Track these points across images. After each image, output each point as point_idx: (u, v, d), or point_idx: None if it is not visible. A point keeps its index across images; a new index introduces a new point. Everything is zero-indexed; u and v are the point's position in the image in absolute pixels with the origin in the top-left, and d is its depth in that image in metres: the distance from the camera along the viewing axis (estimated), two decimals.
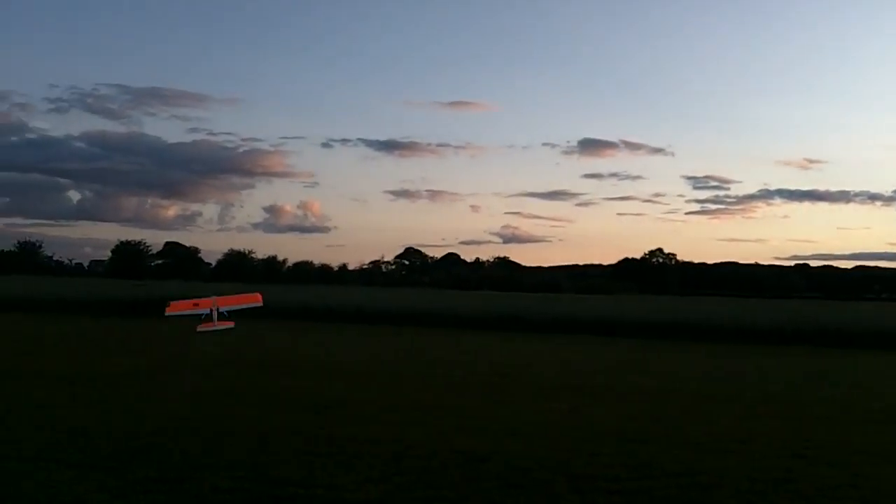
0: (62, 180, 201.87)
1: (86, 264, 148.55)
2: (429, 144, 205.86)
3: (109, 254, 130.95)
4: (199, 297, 20.10)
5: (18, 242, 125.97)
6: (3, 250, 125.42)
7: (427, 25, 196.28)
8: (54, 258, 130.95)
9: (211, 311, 18.76)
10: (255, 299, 20.47)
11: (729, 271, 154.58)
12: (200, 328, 18.65)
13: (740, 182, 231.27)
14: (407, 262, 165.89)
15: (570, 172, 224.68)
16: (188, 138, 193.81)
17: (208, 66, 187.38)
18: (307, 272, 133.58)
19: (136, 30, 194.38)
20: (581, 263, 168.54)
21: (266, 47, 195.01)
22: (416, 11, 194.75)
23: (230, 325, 18.94)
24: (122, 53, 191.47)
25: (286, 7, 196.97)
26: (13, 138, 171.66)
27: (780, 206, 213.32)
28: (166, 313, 19.09)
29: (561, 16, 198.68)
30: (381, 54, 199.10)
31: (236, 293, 21.61)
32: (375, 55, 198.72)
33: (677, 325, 42.63)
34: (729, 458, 12.32)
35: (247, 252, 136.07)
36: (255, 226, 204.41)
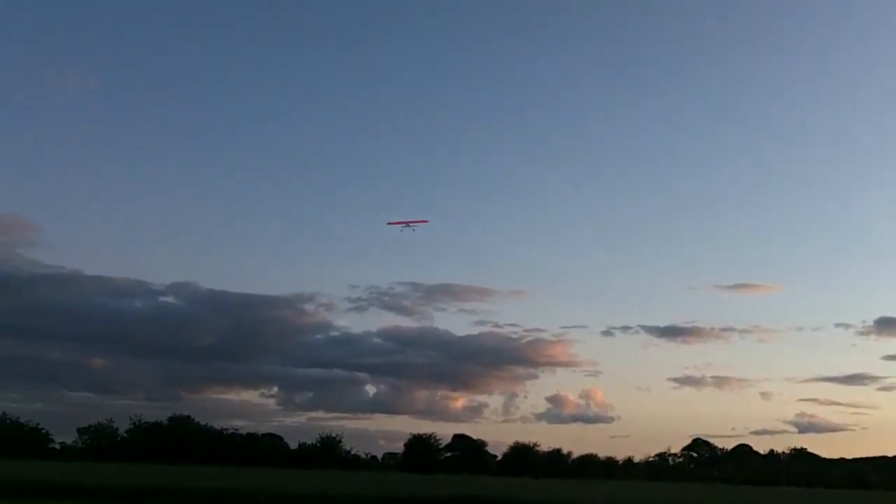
0: (360, 374, 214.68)
1: (380, 457, 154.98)
2: (712, 329, 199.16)
3: (402, 447, 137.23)
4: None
5: (320, 436, 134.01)
6: (307, 444, 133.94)
7: (702, 212, 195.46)
8: (352, 452, 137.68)
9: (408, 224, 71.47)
10: (424, 221, 73.32)
11: None
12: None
13: None
14: (695, 454, 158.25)
15: (868, 354, 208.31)
16: (475, 331, 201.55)
17: (493, 261, 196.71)
18: (592, 465, 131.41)
19: (425, 233, 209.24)
20: (890, 455, 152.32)
21: (545, 239, 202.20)
22: (686, 199, 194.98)
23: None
24: (414, 254, 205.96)
25: (561, 197, 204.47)
26: (318, 336, 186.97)
27: None
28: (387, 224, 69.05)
29: (841, 186, 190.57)
30: (658, 241, 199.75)
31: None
32: (653, 242, 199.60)
33: None
34: None
35: (531, 444, 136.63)
36: (539, 416, 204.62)
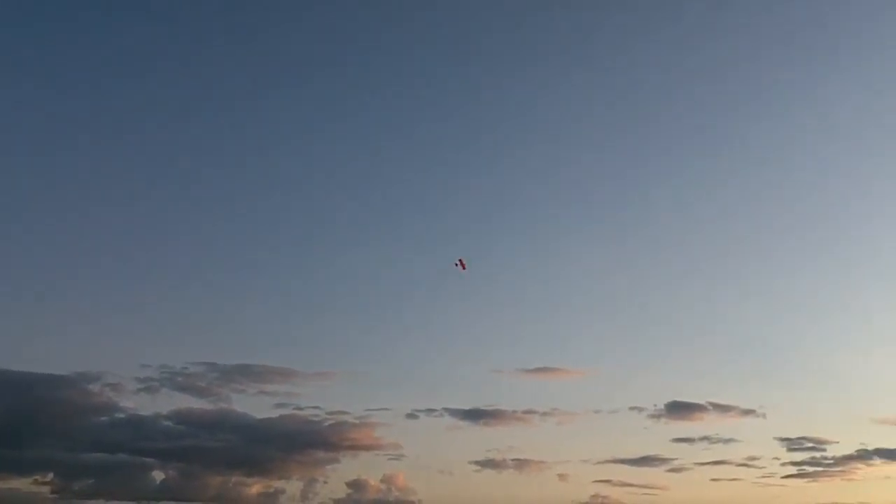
0: (148, 460, 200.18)
1: None
2: (514, 412, 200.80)
3: None
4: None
5: None
6: None
7: (509, 293, 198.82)
8: None
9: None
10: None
11: None
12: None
13: (837, 442, 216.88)
14: None
15: (659, 437, 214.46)
16: (275, 413, 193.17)
17: (296, 341, 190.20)
18: None
19: (224, 309, 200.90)
20: None
21: (350, 321, 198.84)
22: (495, 281, 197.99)
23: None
24: (212, 332, 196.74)
25: (368, 279, 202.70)
26: (103, 418, 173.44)
27: (881, 467, 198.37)
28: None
29: (640, 278, 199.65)
30: (462, 323, 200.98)
31: None
32: (457, 324, 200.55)
33: None
34: None
35: None
36: (338, 502, 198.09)
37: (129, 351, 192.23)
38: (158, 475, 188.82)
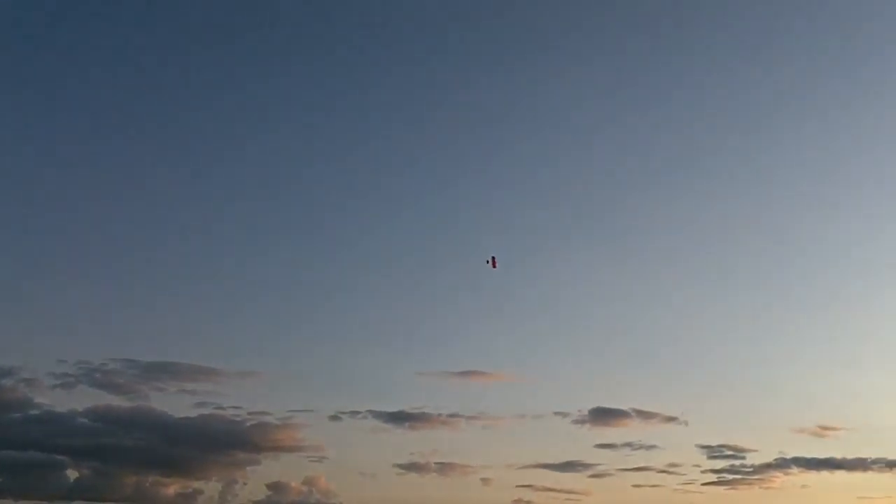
0: (60, 458, 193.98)
1: None
2: (440, 415, 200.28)
3: None
4: None
5: None
6: None
7: (435, 295, 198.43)
8: None
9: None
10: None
11: None
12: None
13: (756, 451, 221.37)
14: None
15: (582, 442, 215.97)
16: (195, 412, 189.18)
17: (218, 339, 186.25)
18: None
19: (145, 304, 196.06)
20: None
21: (276, 320, 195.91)
22: (421, 282, 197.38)
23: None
24: (133, 328, 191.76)
25: (293, 278, 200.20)
26: (16, 415, 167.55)
27: (798, 476, 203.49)
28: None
29: (567, 284, 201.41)
30: (389, 325, 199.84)
31: None
32: (384, 326, 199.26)
33: None
34: None
35: None
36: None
37: (45, 345, 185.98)
38: (72, 474, 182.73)
